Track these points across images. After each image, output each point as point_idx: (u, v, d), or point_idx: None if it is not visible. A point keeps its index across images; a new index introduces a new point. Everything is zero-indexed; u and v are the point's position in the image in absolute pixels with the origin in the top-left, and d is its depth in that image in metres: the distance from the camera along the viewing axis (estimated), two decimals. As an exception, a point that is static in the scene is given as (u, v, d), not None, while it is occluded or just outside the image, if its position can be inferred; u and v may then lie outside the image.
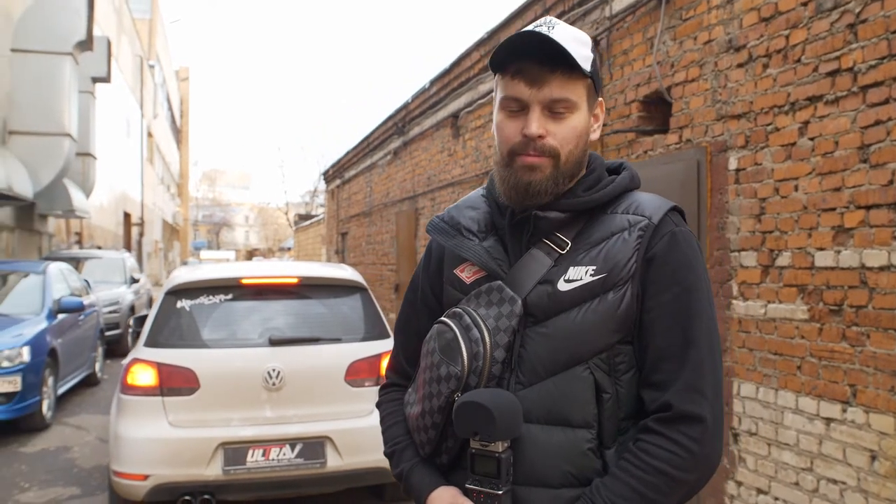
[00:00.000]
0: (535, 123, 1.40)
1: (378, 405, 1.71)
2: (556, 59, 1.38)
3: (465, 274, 1.54)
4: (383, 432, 1.65)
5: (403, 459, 1.56)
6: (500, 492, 1.38)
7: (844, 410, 3.44)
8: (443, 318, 1.49)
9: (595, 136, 1.51)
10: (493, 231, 1.53)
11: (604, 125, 5.44)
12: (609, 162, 1.57)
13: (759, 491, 3.96)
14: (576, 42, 1.41)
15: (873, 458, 3.28)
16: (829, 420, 3.52)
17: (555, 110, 1.41)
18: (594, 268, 1.41)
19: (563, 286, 1.41)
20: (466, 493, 1.42)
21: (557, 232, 1.46)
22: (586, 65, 1.41)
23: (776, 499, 3.85)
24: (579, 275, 1.41)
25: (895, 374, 3.18)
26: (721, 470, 4.24)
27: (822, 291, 3.57)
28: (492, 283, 1.46)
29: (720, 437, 1.39)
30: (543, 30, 1.40)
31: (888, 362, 3.22)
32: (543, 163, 1.42)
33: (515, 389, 1.42)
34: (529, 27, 1.43)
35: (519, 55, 1.41)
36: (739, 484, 4.12)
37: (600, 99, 1.52)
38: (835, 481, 3.48)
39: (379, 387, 1.75)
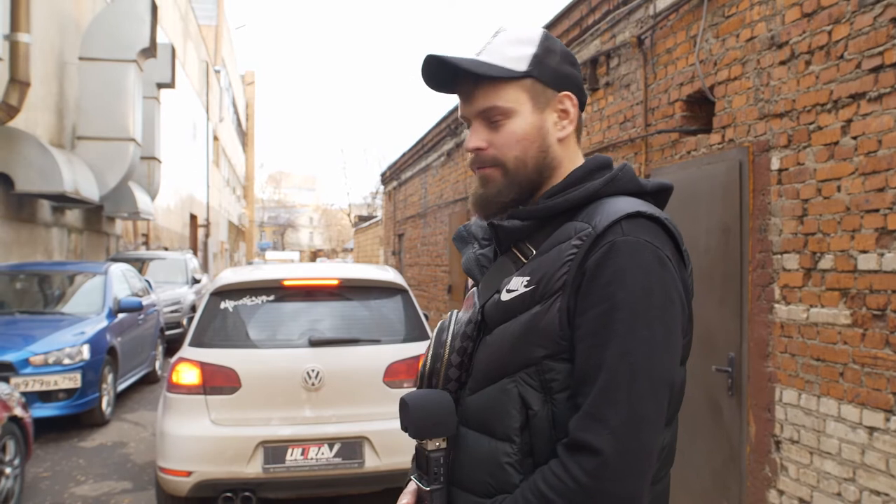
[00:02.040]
0: (472, 137, 1.43)
1: None
2: (467, 74, 1.39)
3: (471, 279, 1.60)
4: None
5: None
6: (428, 489, 1.41)
7: (888, 419, 3.31)
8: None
9: (562, 133, 1.44)
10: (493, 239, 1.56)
11: (648, 125, 5.40)
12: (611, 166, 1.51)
13: (801, 501, 3.85)
14: (511, 44, 1.41)
15: (917, 469, 3.15)
16: (871, 429, 3.40)
17: (491, 120, 1.41)
18: (528, 279, 1.35)
19: (504, 296, 1.38)
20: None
21: (526, 240, 1.42)
22: (519, 65, 1.39)
23: (819, 509, 3.73)
24: (516, 286, 1.36)
25: (940, 383, 3.05)
26: (763, 478, 4.13)
27: (865, 296, 3.45)
28: (472, 290, 1.52)
29: (629, 474, 1.23)
30: (482, 44, 1.45)
31: (933, 370, 3.09)
32: (492, 173, 1.42)
33: (467, 394, 1.43)
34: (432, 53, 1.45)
35: (436, 78, 1.44)
36: (781, 493, 4.00)
37: (564, 93, 1.44)
38: (877, 493, 3.35)
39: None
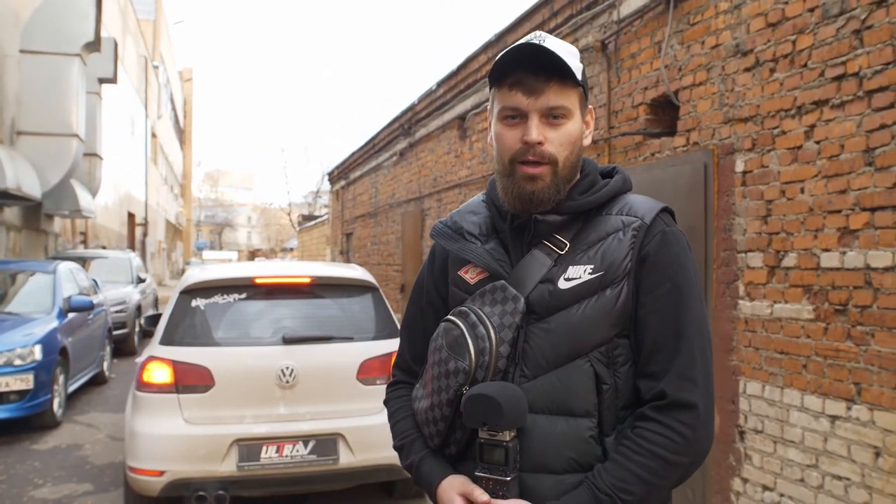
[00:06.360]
0: (535, 130, 1.48)
1: (386, 402, 1.80)
2: (550, 69, 1.47)
3: (469, 275, 1.62)
4: (392, 427, 1.73)
5: (413, 451, 1.64)
6: (508, 478, 1.46)
7: (849, 408, 3.51)
8: (449, 317, 1.58)
9: (587, 141, 1.60)
10: (494, 234, 1.62)
11: (611, 128, 5.56)
12: (602, 166, 1.66)
13: (765, 487, 4.04)
14: (566, 53, 1.50)
15: (877, 454, 3.35)
16: (834, 418, 3.60)
17: (552, 118, 1.50)
18: (592, 266, 1.50)
19: (563, 284, 1.50)
20: (476, 480, 1.49)
21: (556, 234, 1.55)
22: (577, 74, 1.51)
23: (782, 495, 3.92)
24: (578, 273, 1.50)
25: (899, 373, 3.25)
26: (727, 467, 4.31)
27: (828, 292, 3.64)
28: (495, 283, 1.55)
29: (711, 423, 1.48)
30: (536, 44, 1.49)
31: (892, 361, 3.29)
32: (543, 171, 1.50)
33: (520, 382, 1.50)
34: (521, 41, 1.52)
35: (516, 67, 1.49)
36: (745, 481, 4.19)
37: (590, 107, 1.61)
38: (839, 477, 3.55)
39: (388, 384, 1.83)
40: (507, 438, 1.46)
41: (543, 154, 1.49)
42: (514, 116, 1.51)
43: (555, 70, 1.47)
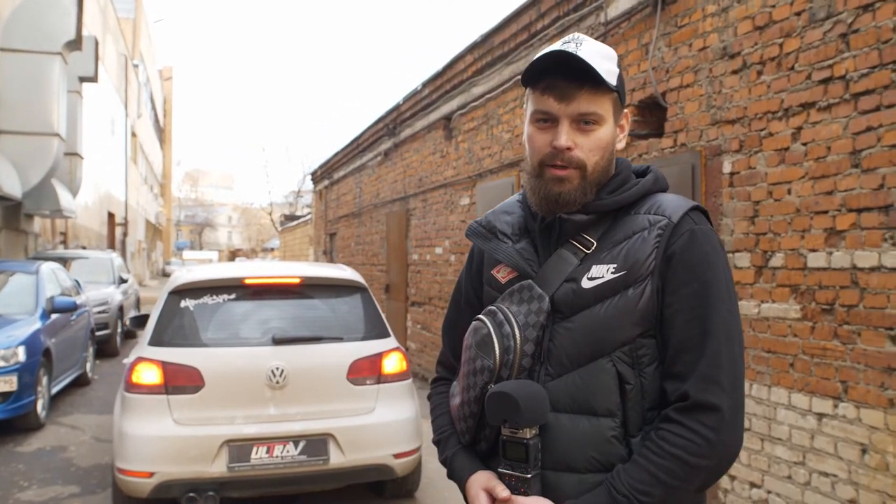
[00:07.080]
0: (564, 136, 1.49)
1: (428, 397, 1.86)
2: (582, 76, 1.47)
3: (501, 274, 1.65)
4: (432, 422, 1.79)
5: (448, 447, 1.68)
6: (529, 475, 1.47)
7: (836, 406, 3.57)
8: (479, 316, 1.60)
9: (621, 145, 1.60)
10: (526, 234, 1.63)
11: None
12: (637, 166, 1.66)
13: (752, 485, 4.09)
14: (601, 58, 1.49)
15: (864, 451, 3.41)
16: (820, 415, 3.65)
17: (583, 124, 1.50)
18: (615, 266, 1.50)
19: (586, 283, 1.51)
20: (499, 476, 1.52)
21: (584, 233, 1.55)
22: (612, 79, 1.50)
23: (769, 492, 3.97)
24: (601, 272, 1.50)
25: (885, 371, 3.31)
26: (715, 465, 4.36)
27: (815, 291, 3.70)
28: (522, 282, 1.56)
29: (739, 426, 1.45)
30: (571, 47, 1.49)
31: (878, 359, 3.35)
32: (571, 174, 1.51)
33: (544, 381, 1.51)
34: (558, 44, 1.51)
35: (548, 72, 1.49)
36: (733, 478, 4.24)
37: (626, 110, 1.61)
38: (826, 474, 3.61)
39: (431, 380, 1.89)
40: (528, 436, 1.48)
41: (572, 159, 1.51)
42: (546, 120, 1.52)
43: (586, 76, 1.47)
